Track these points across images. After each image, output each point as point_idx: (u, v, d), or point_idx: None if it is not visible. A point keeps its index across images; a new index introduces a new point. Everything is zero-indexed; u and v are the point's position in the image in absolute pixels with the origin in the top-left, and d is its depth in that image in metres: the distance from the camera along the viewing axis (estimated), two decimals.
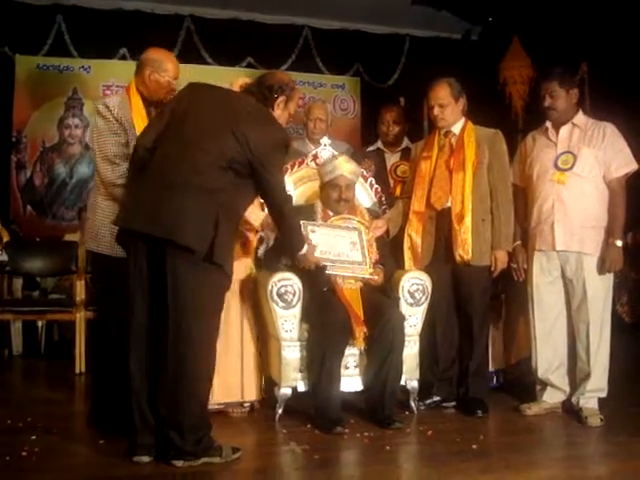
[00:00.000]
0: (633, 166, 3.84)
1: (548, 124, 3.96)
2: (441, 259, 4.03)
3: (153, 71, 3.54)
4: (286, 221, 3.38)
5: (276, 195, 3.25)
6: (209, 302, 3.04)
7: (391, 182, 4.84)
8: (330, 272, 3.85)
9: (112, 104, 3.46)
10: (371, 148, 5.13)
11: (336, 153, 4.38)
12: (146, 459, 3.03)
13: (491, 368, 4.39)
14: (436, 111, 4.04)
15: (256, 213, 3.78)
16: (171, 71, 3.58)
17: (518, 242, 4.02)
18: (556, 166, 3.86)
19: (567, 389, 3.95)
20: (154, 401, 3.02)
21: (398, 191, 4.66)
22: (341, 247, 3.92)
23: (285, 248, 3.71)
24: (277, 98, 3.29)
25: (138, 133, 3.41)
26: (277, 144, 3.18)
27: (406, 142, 5.01)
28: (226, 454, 3.08)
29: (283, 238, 3.60)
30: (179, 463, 2.97)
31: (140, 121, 3.48)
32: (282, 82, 3.34)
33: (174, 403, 2.97)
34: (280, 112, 3.32)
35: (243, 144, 3.05)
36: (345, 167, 4.04)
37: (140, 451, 3.03)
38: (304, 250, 3.58)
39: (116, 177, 3.41)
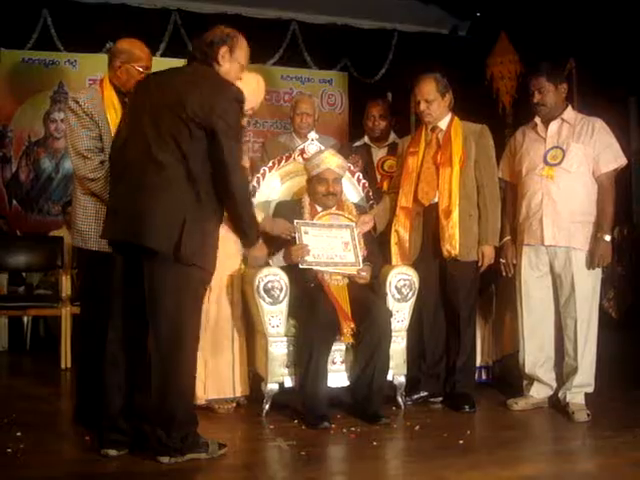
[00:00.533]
0: (622, 161, 3.85)
1: (537, 120, 3.96)
2: (429, 255, 4.03)
3: (123, 62, 3.50)
4: (234, 198, 2.99)
5: (224, 161, 2.91)
6: (187, 302, 2.98)
7: (378, 177, 4.85)
8: (316, 268, 3.84)
9: (82, 99, 3.45)
10: (358, 143, 5.13)
11: (323, 147, 4.37)
12: (114, 452, 3.03)
13: (479, 363, 4.39)
14: (422, 106, 4.03)
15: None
16: (142, 60, 3.52)
17: (507, 238, 4.02)
18: (545, 161, 3.86)
19: (554, 384, 3.96)
20: (130, 402, 3.03)
21: (385, 186, 4.66)
22: (334, 248, 3.90)
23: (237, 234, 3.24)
24: (219, 50, 3.07)
25: (112, 126, 3.41)
26: (226, 99, 2.96)
27: (393, 137, 5.01)
28: (212, 450, 3.06)
29: (232, 222, 3.16)
30: (165, 459, 2.96)
31: (113, 113, 3.46)
32: (221, 33, 3.11)
33: (161, 402, 2.95)
34: (228, 65, 3.10)
35: (188, 120, 2.90)
36: (332, 161, 4.02)
37: (108, 445, 3.04)
38: (257, 246, 3.29)
39: (89, 171, 3.40)
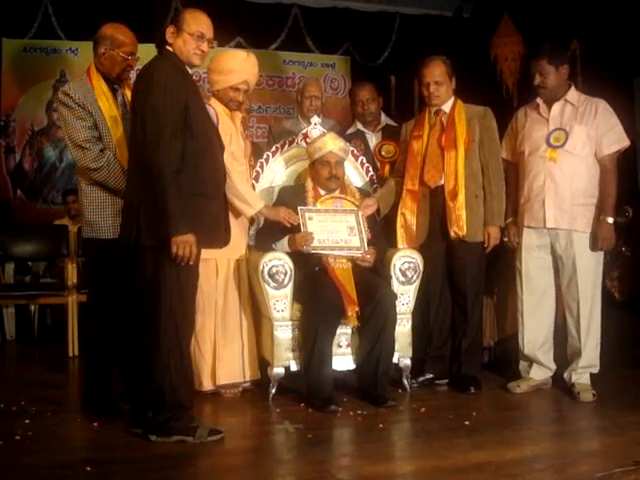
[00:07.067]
0: (625, 143, 3.83)
1: (539, 100, 3.93)
2: (436, 237, 4.03)
3: (107, 48, 3.44)
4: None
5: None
6: (162, 287, 3.05)
7: (377, 165, 4.74)
8: (321, 252, 3.84)
9: (72, 91, 3.42)
10: (350, 130, 4.95)
11: (325, 131, 4.34)
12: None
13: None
14: (432, 88, 4.00)
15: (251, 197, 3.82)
16: (125, 46, 3.45)
17: (510, 219, 4.02)
18: (548, 143, 3.83)
19: (552, 366, 3.97)
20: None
21: (386, 171, 4.61)
22: (339, 233, 3.90)
23: None
24: (166, 32, 3.11)
25: (105, 113, 3.42)
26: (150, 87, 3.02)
27: (384, 119, 4.95)
28: (200, 435, 3.07)
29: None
30: (152, 437, 3.07)
31: (105, 100, 3.45)
32: (171, 17, 3.23)
33: (149, 384, 3.09)
34: (180, 41, 3.11)
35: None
36: (334, 144, 4.01)
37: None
38: None
39: (90, 161, 3.39)
